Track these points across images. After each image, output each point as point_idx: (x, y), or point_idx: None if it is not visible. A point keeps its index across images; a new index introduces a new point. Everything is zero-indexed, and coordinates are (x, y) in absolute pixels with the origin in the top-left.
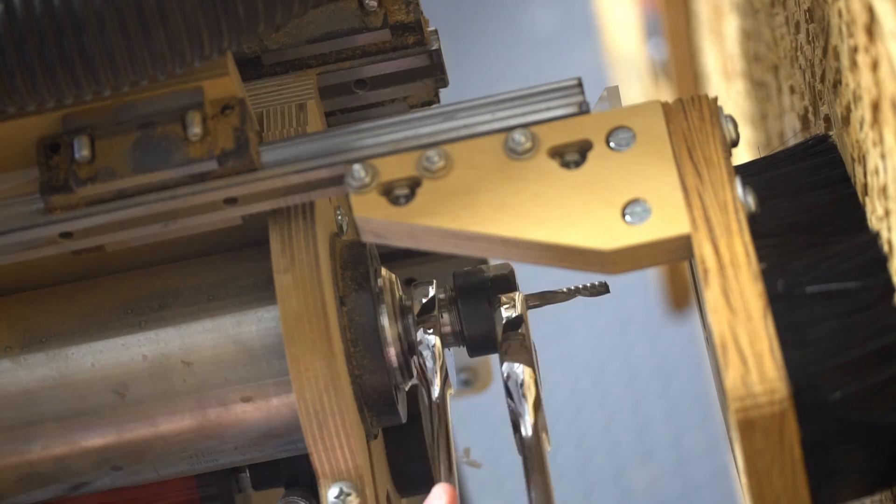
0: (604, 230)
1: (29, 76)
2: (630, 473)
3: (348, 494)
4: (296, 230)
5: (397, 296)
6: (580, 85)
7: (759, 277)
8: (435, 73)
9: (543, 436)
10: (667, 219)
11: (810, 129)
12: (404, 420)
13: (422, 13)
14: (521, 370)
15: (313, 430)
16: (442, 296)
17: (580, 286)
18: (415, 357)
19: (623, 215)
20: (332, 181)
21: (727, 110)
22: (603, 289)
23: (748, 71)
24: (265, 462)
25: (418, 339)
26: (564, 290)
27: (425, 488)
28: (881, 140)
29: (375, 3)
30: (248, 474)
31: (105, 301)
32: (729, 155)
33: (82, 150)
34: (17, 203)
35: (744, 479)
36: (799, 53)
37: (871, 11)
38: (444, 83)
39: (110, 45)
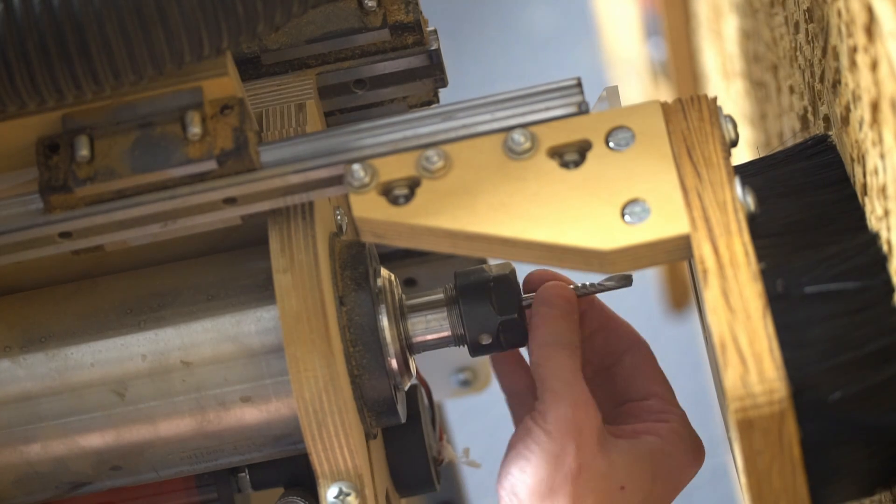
0: (603, 230)
1: (29, 75)
2: None
3: (347, 494)
4: (295, 230)
5: (397, 296)
6: (579, 85)
7: (759, 277)
8: (434, 72)
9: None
10: (666, 219)
11: (809, 129)
12: (403, 420)
13: (421, 13)
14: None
15: (312, 430)
16: (442, 296)
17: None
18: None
19: (622, 215)
20: (331, 181)
21: (726, 110)
22: (625, 282)
23: (747, 71)
24: (264, 462)
25: None
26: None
27: (425, 488)
28: (880, 140)
29: (375, 3)
30: (247, 474)
31: (104, 301)
32: (728, 155)
33: (81, 150)
34: (16, 203)
35: (743, 479)
36: (798, 53)
37: (870, 11)
38: (444, 83)
39: (109, 45)
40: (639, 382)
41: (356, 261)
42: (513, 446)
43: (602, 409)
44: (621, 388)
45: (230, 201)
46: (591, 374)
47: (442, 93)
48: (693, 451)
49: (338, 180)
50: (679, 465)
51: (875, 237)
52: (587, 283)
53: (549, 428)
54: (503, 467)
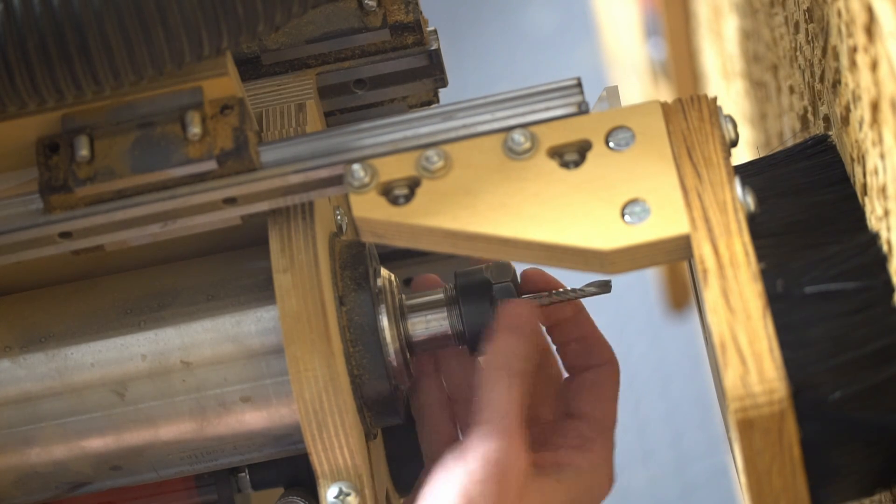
0: (603, 230)
1: (29, 75)
2: (630, 473)
3: (347, 494)
4: (295, 230)
5: (397, 296)
6: (579, 85)
7: (759, 277)
8: (434, 72)
9: None
10: (666, 219)
11: (809, 129)
12: (403, 420)
13: (421, 13)
14: None
15: (312, 429)
16: (442, 296)
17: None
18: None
19: (622, 215)
20: (331, 181)
21: (726, 110)
22: (605, 288)
23: (747, 71)
24: (264, 462)
25: None
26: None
27: None
28: (880, 140)
29: (375, 3)
30: (247, 474)
31: (104, 301)
32: (728, 155)
33: (81, 150)
34: (16, 203)
35: (743, 479)
36: (798, 53)
37: (870, 11)
38: (444, 83)
39: (109, 45)
40: (584, 399)
41: (356, 261)
42: (430, 481)
43: (545, 418)
44: (568, 399)
45: (230, 201)
46: (545, 381)
47: (442, 93)
48: (605, 483)
49: (338, 180)
50: (592, 498)
51: (875, 237)
52: (569, 289)
53: (471, 468)
54: (418, 500)
